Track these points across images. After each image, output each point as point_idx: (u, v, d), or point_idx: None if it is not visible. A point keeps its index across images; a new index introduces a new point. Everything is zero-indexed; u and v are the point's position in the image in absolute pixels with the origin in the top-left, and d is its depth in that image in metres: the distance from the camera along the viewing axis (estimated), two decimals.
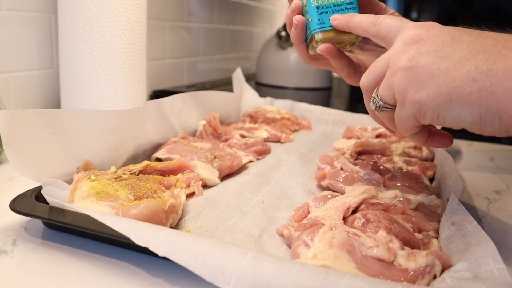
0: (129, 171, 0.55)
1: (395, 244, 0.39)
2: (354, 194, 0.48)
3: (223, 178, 0.62)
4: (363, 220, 0.43)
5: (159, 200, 0.45)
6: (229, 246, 0.34)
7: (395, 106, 0.41)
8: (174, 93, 0.77)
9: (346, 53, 0.53)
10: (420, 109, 0.38)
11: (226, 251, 0.33)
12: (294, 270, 0.32)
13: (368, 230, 0.42)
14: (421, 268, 0.36)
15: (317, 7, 0.49)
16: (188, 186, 0.55)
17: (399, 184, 0.56)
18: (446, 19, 0.41)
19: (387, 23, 0.43)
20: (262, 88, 1.43)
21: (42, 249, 0.41)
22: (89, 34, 0.78)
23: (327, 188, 0.58)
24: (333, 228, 0.41)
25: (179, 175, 0.57)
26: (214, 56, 1.54)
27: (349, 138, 0.84)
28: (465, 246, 0.38)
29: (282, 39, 1.43)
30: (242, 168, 0.67)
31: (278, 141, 0.85)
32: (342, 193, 0.53)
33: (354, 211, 0.47)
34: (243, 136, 0.83)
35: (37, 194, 0.46)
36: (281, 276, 0.31)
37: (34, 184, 0.52)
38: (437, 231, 0.45)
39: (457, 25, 0.40)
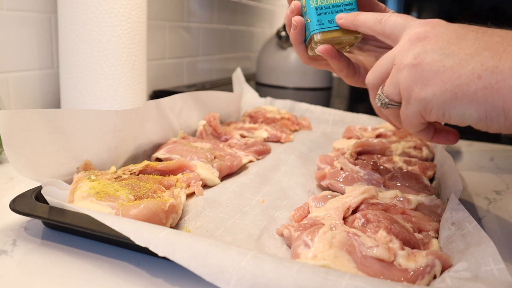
0: (129, 171, 0.55)
1: (395, 244, 0.39)
2: (354, 194, 0.48)
3: (223, 178, 0.62)
4: (363, 220, 0.43)
5: (159, 200, 0.45)
6: (229, 246, 0.34)
7: (400, 103, 0.41)
8: (174, 93, 0.77)
9: (345, 54, 0.53)
10: (426, 107, 0.38)
11: (226, 251, 0.33)
12: (294, 270, 0.32)
13: (368, 230, 0.42)
14: (421, 268, 0.36)
15: (316, 8, 0.49)
16: (188, 186, 0.55)
17: (399, 184, 0.56)
18: (446, 19, 0.41)
19: (393, 20, 0.43)
20: (262, 88, 1.43)
21: (42, 249, 0.41)
22: (89, 34, 0.78)
23: (327, 188, 0.58)
24: (333, 228, 0.41)
25: (179, 175, 0.57)
26: (214, 56, 1.54)
27: (349, 138, 0.84)
28: (465, 246, 0.38)
29: (282, 39, 1.43)
30: (242, 168, 0.67)
31: (278, 141, 0.85)
32: (342, 193, 0.53)
33: (354, 211, 0.47)
34: (243, 136, 0.83)
35: (37, 194, 0.46)
36: (281, 276, 0.31)
37: (34, 184, 0.52)
38: (437, 231, 0.45)
39: None
